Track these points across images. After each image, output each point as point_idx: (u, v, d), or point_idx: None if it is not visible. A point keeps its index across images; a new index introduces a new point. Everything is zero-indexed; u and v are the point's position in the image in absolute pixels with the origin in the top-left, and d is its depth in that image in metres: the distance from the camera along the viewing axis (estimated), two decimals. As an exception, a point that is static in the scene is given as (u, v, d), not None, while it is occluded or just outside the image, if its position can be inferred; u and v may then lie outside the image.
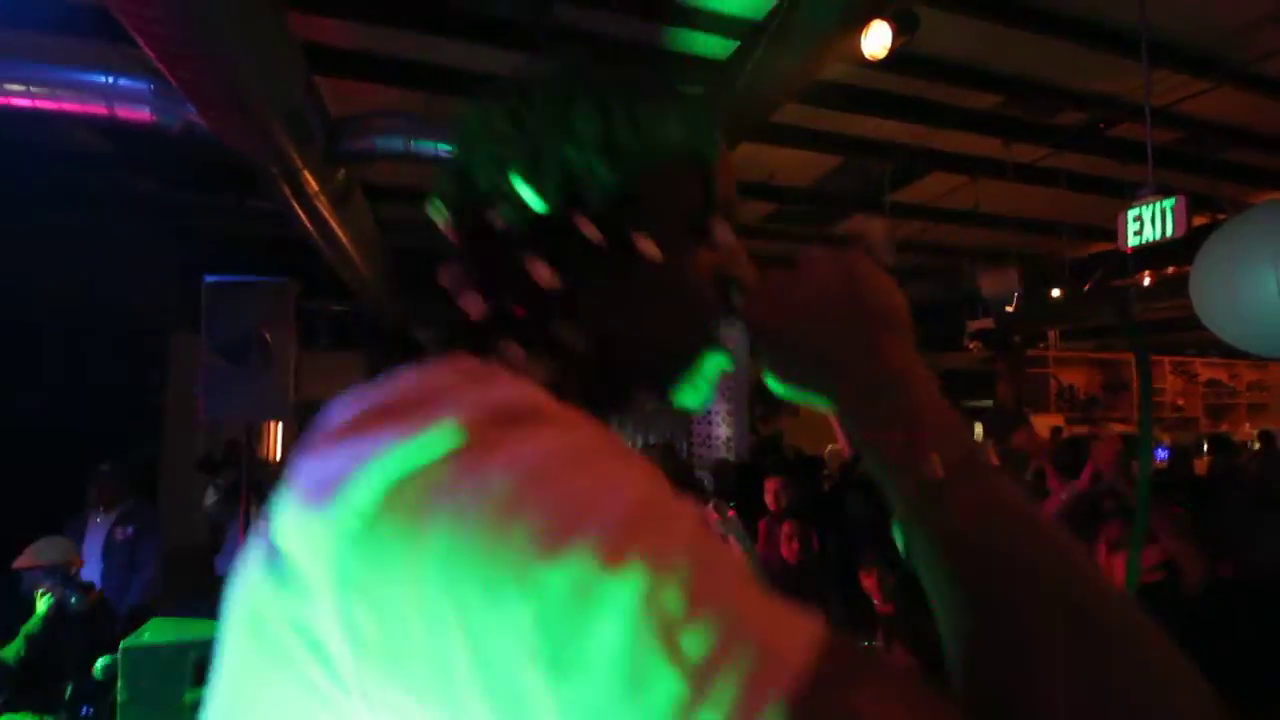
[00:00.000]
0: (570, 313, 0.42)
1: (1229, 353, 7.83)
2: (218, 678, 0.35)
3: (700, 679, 0.24)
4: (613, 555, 0.25)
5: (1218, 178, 4.97)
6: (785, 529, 3.29)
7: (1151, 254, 4.90)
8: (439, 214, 0.46)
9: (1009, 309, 5.08)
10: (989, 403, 7.78)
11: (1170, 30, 3.17)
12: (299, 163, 2.69)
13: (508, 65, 0.58)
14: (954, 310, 6.43)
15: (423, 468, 0.28)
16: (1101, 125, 4.32)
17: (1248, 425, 8.80)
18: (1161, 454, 6.20)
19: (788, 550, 3.22)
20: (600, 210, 0.42)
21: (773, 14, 2.76)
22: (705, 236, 0.46)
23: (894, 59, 2.62)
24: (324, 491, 0.29)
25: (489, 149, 0.43)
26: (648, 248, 0.42)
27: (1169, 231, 1.99)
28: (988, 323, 5.41)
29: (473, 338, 0.41)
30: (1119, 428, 7.08)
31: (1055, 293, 5.52)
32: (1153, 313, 5.50)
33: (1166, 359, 8.69)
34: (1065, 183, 4.99)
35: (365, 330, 6.58)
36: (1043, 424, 7.00)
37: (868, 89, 3.83)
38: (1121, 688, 0.27)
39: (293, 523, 0.29)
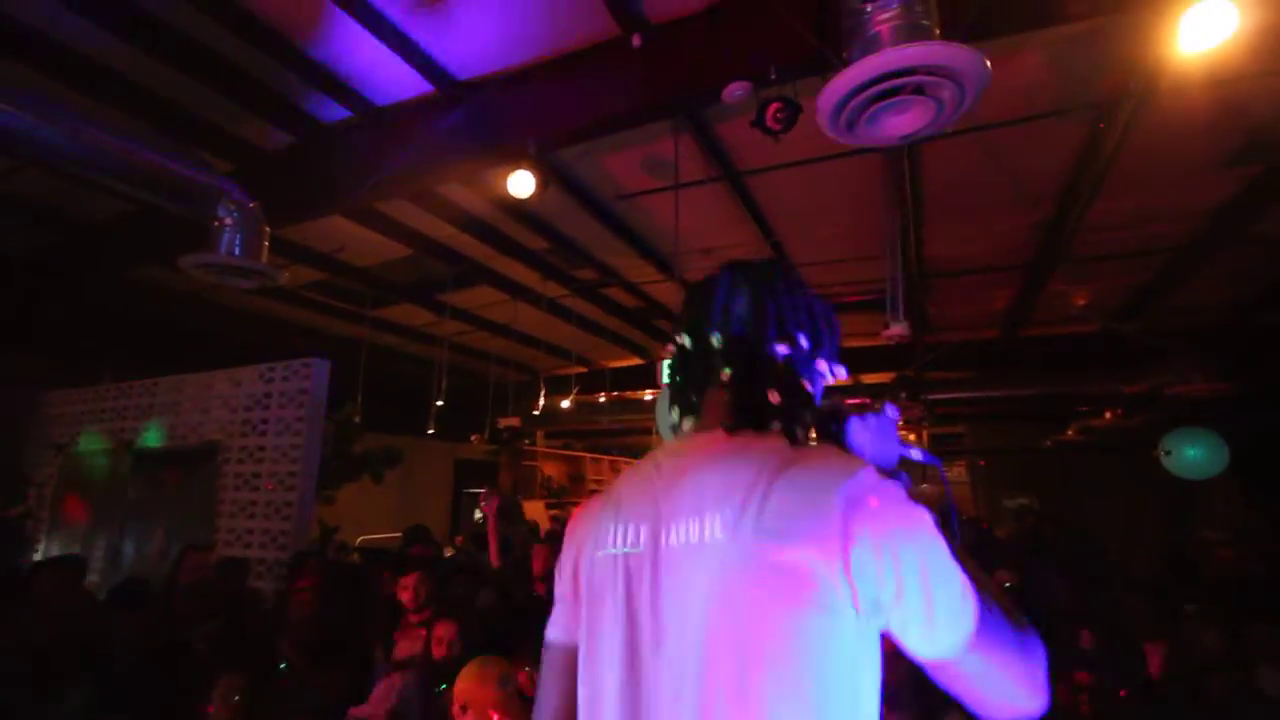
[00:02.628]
0: (802, 404, 0.85)
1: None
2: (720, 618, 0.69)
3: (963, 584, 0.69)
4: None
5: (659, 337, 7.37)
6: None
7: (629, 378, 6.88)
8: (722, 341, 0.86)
9: (535, 413, 6.13)
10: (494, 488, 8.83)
11: (656, 239, 4.81)
12: None
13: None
14: (478, 407, 7.23)
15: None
16: (602, 288, 5.94)
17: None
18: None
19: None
20: (823, 355, 0.89)
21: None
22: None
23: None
24: (826, 490, 0.69)
25: (778, 313, 0.86)
26: (827, 371, 0.90)
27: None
28: (515, 420, 6.33)
29: (774, 414, 0.82)
30: (578, 509, 9.00)
31: (565, 403, 6.97)
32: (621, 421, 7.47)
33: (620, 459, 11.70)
34: (576, 321, 6.51)
35: None
36: (532, 508, 8.33)
37: (452, 202, 4.32)
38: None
39: (802, 508, 0.69)
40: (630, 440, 11.35)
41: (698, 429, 0.84)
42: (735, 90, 2.45)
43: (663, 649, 0.72)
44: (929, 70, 1.32)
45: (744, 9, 2.51)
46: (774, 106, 2.30)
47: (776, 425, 0.81)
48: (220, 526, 3.62)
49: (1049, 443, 10.21)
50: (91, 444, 4.44)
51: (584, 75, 2.85)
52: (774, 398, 0.82)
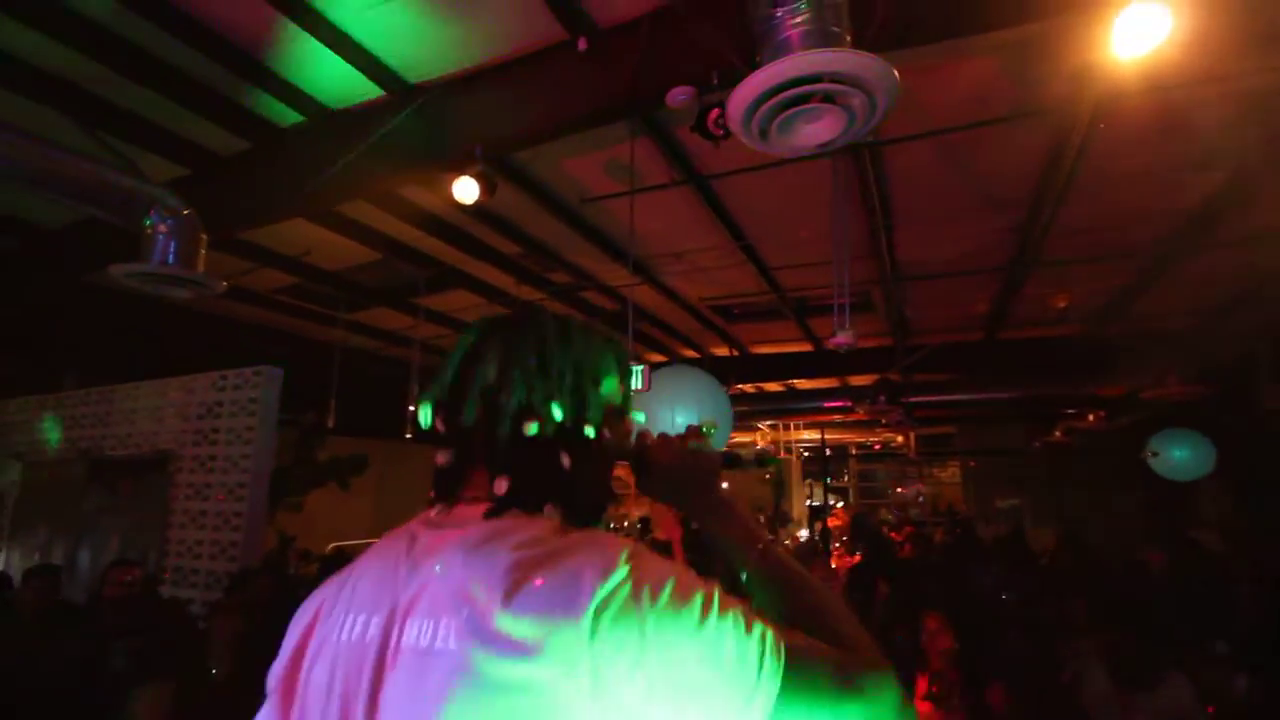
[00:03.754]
0: (571, 480, 0.72)
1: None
2: None
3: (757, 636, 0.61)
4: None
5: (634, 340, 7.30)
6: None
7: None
8: (467, 418, 0.72)
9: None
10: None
11: (626, 243, 4.76)
12: None
13: None
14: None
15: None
16: (578, 291, 5.89)
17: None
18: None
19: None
20: (590, 420, 0.75)
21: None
22: (624, 423, 0.83)
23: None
24: (571, 596, 0.57)
25: (525, 384, 0.72)
26: (606, 437, 0.78)
27: (639, 385, 3.00)
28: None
29: (513, 499, 0.69)
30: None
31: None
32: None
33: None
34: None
35: None
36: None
37: (423, 207, 4.27)
38: (825, 618, 0.72)
39: (543, 618, 0.56)
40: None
41: (464, 503, 0.72)
42: (679, 95, 2.40)
43: None
44: (835, 77, 1.27)
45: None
46: (714, 112, 2.25)
47: (548, 506, 0.69)
48: (171, 538, 3.57)
49: (1037, 444, 10.18)
50: (51, 452, 4.39)
51: (531, 78, 2.80)
52: (500, 487, 0.70)
